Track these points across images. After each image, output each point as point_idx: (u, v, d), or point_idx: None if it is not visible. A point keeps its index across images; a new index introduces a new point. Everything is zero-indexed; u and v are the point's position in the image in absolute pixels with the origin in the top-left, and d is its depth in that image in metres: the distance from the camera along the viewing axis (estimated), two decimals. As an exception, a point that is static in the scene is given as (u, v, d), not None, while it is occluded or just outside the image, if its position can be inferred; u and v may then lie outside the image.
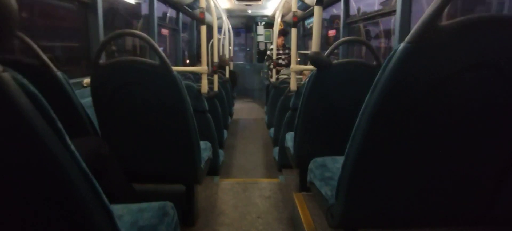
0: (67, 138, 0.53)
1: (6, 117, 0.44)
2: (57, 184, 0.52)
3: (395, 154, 0.83)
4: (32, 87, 0.48)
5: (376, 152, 0.83)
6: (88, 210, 0.58)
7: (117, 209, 0.97)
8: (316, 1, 1.49)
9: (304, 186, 1.88)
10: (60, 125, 0.51)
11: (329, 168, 1.22)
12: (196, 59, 5.61)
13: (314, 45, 1.54)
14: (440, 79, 0.70)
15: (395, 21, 2.19)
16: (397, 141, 0.80)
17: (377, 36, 3.97)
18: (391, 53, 0.71)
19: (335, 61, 1.49)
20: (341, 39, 1.72)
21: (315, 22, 1.55)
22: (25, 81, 0.47)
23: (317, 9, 1.52)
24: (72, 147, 0.54)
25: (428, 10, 0.65)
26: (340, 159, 1.27)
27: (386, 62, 0.71)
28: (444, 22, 0.66)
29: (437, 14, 0.64)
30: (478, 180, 0.88)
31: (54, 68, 1.31)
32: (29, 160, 0.48)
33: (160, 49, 1.31)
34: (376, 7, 3.25)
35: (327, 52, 1.50)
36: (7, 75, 0.44)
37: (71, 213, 0.56)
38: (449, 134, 0.80)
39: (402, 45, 0.68)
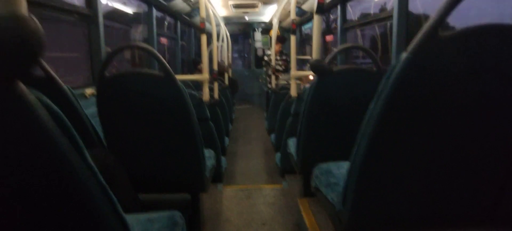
0: (86, 153, 0.55)
1: (34, 137, 0.46)
2: (79, 197, 0.53)
3: (401, 159, 0.85)
4: (55, 107, 0.50)
5: (381, 157, 0.85)
6: (106, 221, 0.60)
7: (127, 219, 0.99)
8: (316, 10, 1.52)
9: (308, 191, 1.89)
10: (80, 142, 0.53)
11: (334, 173, 1.24)
12: (193, 67, 5.65)
13: (315, 52, 1.57)
14: (443, 87, 0.73)
15: (392, 27, 2.23)
16: (402, 146, 0.82)
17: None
18: (394, 63, 0.73)
19: (335, 68, 1.52)
20: (342, 46, 1.76)
21: (315, 30, 1.58)
22: (48, 101, 0.49)
23: (316, 18, 1.55)
24: (90, 161, 0.56)
25: (429, 21, 0.68)
26: (345, 164, 1.29)
27: (389, 72, 0.74)
28: (444, 32, 0.69)
29: (437, 24, 0.67)
30: (482, 182, 0.90)
31: (60, 81, 1.33)
32: (52, 175, 0.50)
33: (164, 60, 1.33)
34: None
35: (327, 59, 1.53)
36: (33, 97, 0.46)
37: (91, 224, 0.57)
38: (453, 138, 0.82)
39: (404, 55, 0.71)
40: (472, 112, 0.78)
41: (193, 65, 5.68)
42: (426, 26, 0.68)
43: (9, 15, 0.41)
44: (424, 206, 0.92)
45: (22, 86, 0.44)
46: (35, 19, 0.42)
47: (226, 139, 3.14)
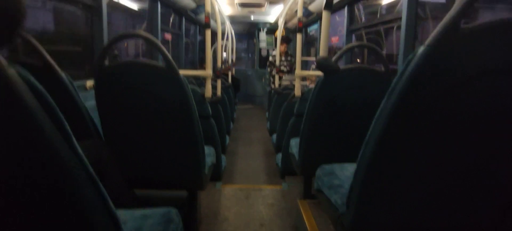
0: (74, 140, 0.50)
1: (12, 115, 0.41)
2: (64, 186, 0.49)
3: (410, 161, 0.80)
4: (39, 86, 0.46)
5: (390, 158, 0.80)
6: (94, 215, 0.56)
7: (121, 214, 0.94)
8: (324, 6, 1.48)
9: (309, 193, 1.84)
10: (67, 127, 0.49)
11: (338, 175, 1.19)
12: (199, 65, 5.63)
13: (322, 50, 1.52)
14: (460, 83, 0.68)
15: (401, 28, 2.18)
16: (412, 147, 0.78)
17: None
18: (410, 56, 0.68)
19: (343, 67, 1.47)
20: (350, 44, 1.71)
21: (323, 27, 1.54)
22: (31, 78, 0.45)
23: (325, 14, 1.51)
24: (80, 150, 0.52)
25: (450, 13, 0.63)
26: (349, 166, 1.24)
27: (404, 67, 0.69)
28: (465, 25, 0.64)
29: (459, 17, 0.62)
30: (494, 188, 0.85)
31: (59, 70, 1.29)
32: (34, 160, 0.45)
33: (166, 51, 1.29)
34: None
35: (335, 57, 1.48)
36: (13, 72, 0.41)
37: (77, 218, 0.53)
38: (466, 139, 0.77)
39: (421, 48, 0.66)
40: (491, 116, 0.73)
41: (199, 64, 5.66)
42: (446, 18, 0.63)
43: None
44: (432, 214, 0.87)
45: (1, 59, 0.40)
46: None
47: (227, 137, 3.10)
